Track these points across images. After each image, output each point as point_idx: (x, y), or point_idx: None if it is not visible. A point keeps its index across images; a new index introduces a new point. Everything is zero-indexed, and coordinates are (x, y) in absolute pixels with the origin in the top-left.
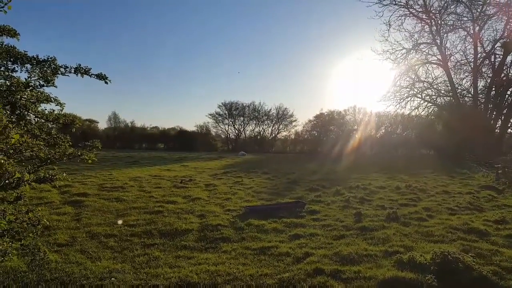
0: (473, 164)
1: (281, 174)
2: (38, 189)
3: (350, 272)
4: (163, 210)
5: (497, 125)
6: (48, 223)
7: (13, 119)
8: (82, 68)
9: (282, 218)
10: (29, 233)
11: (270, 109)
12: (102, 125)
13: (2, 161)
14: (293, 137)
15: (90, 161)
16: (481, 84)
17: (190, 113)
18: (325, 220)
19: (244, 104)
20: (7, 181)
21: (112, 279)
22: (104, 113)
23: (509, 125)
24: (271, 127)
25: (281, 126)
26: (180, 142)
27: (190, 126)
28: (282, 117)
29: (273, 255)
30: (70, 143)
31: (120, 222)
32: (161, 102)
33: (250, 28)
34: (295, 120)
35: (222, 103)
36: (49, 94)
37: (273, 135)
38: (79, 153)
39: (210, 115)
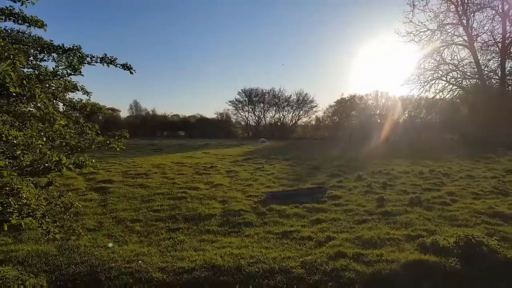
0: (499, 148)
1: (302, 160)
2: (64, 177)
3: (372, 256)
4: (186, 196)
5: None
6: (80, 206)
7: None
8: (108, 58)
9: (303, 203)
10: (63, 215)
11: (290, 95)
12: (124, 113)
13: (41, 145)
14: (313, 123)
15: (118, 148)
16: (509, 65)
17: (210, 101)
18: (346, 205)
19: (264, 91)
20: (47, 164)
21: (139, 262)
22: (124, 101)
23: None
24: (291, 113)
25: (301, 112)
26: (201, 130)
27: (210, 114)
28: (302, 103)
29: (295, 239)
30: (99, 131)
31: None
32: (181, 90)
33: (271, 14)
34: (315, 106)
35: (242, 89)
36: (76, 83)
37: (294, 121)
38: (107, 142)
39: (230, 102)
